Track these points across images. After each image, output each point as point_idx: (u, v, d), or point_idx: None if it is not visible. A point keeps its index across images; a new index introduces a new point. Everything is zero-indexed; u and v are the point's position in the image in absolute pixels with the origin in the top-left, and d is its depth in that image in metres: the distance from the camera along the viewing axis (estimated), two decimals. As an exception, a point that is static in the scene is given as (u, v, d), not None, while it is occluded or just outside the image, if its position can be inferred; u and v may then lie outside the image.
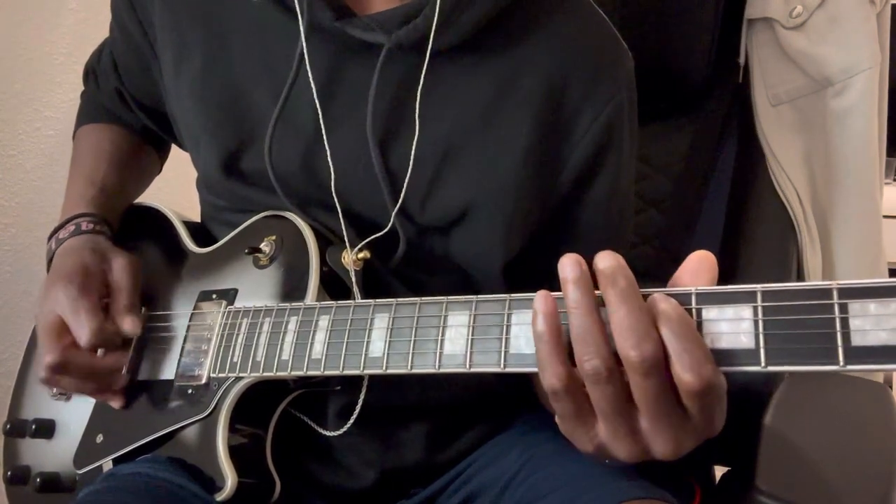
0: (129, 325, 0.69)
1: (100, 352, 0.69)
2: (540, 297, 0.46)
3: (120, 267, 0.71)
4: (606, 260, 0.45)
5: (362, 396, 0.67)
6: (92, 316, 0.66)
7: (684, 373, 0.42)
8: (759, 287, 0.43)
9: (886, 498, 0.68)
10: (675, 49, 1.02)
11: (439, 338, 0.53)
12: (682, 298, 0.45)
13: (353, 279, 0.66)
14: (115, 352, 0.69)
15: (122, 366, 0.70)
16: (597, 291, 0.46)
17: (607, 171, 0.70)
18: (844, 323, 0.40)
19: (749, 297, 0.43)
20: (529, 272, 0.71)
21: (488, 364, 0.50)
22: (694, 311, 0.44)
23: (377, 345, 0.56)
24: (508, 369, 0.49)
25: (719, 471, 0.94)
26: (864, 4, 0.94)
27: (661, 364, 0.43)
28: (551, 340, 0.45)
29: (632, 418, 0.45)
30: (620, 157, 0.71)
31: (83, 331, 0.66)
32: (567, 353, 0.46)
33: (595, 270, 0.45)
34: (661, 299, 0.44)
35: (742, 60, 1.01)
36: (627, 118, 0.71)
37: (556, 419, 0.48)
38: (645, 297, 0.45)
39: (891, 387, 0.97)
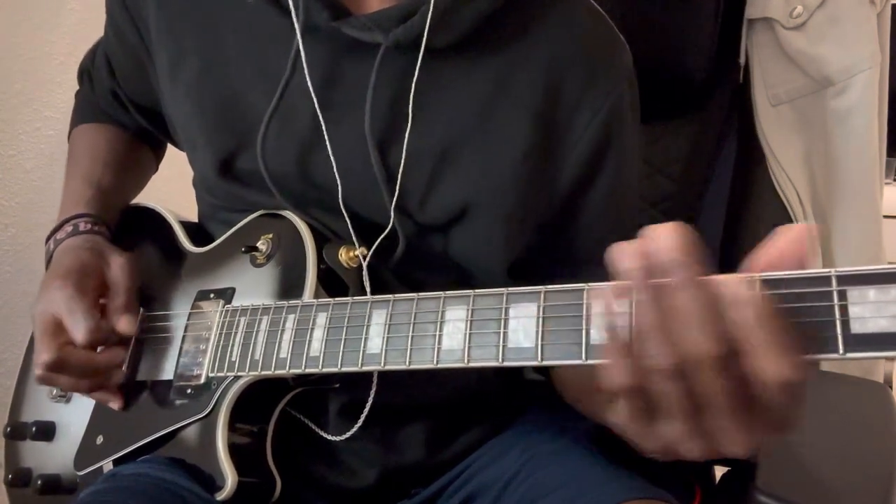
0: (124, 324, 0.69)
1: (98, 349, 0.69)
2: (610, 289, 0.43)
3: (117, 266, 0.71)
4: (674, 234, 0.40)
5: (370, 401, 0.67)
6: (88, 315, 0.66)
7: (763, 364, 0.38)
8: (757, 275, 0.41)
9: (886, 498, 0.68)
10: (676, 49, 1.02)
11: (437, 333, 0.52)
12: None
13: (350, 277, 0.66)
14: (113, 348, 0.69)
15: (120, 362, 0.70)
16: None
17: (611, 167, 0.70)
18: (844, 310, 0.39)
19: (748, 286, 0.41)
20: (535, 271, 0.71)
21: (486, 358, 0.50)
22: None
23: (375, 341, 0.55)
24: (507, 363, 0.49)
25: (719, 471, 0.94)
26: (864, 4, 0.94)
27: (735, 356, 0.39)
28: (624, 335, 0.42)
29: (707, 415, 0.41)
30: (623, 152, 0.70)
31: (78, 329, 0.66)
32: (634, 348, 0.42)
33: (652, 255, 0.40)
34: (729, 287, 0.40)
35: (742, 60, 1.01)
36: (629, 112, 0.70)
37: (619, 421, 0.44)
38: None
39: (891, 387, 0.97)
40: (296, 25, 0.65)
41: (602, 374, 0.42)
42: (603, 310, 0.43)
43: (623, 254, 0.41)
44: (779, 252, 0.40)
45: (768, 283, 0.41)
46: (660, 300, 0.40)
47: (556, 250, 0.72)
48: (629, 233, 0.76)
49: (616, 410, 0.44)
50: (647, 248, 0.40)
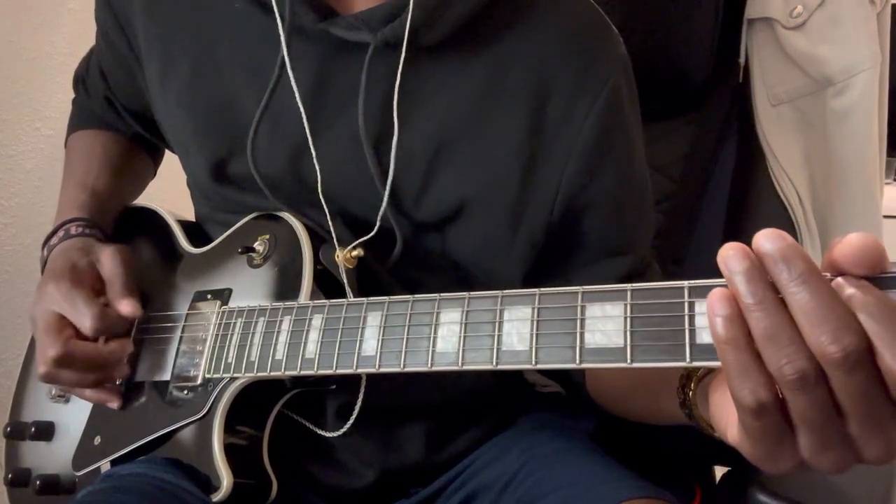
0: (127, 307, 0.68)
1: (101, 340, 0.68)
2: (717, 297, 0.38)
3: (108, 257, 0.70)
4: (770, 241, 0.37)
5: (361, 397, 0.66)
6: (89, 303, 0.66)
7: (892, 358, 0.35)
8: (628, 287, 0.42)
9: (886, 498, 0.68)
10: (676, 49, 1.02)
11: (432, 336, 0.52)
12: (674, 291, 0.43)
13: (346, 277, 0.66)
14: (117, 340, 0.69)
15: (125, 354, 0.69)
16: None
17: (616, 155, 0.68)
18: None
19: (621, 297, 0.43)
20: (548, 270, 0.70)
21: (480, 361, 0.50)
22: (686, 304, 0.43)
23: (370, 343, 0.55)
24: (501, 366, 0.49)
25: (719, 471, 0.94)
26: (864, 4, 0.94)
27: (866, 356, 0.36)
28: (744, 345, 0.38)
29: (841, 424, 0.38)
30: (627, 141, 0.69)
31: (84, 318, 0.65)
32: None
33: (758, 254, 0.37)
34: (847, 282, 0.37)
35: (742, 60, 1.01)
36: (627, 101, 0.69)
37: (747, 445, 0.41)
38: None
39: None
40: (280, 28, 0.64)
41: (733, 393, 0.39)
42: (715, 319, 0.38)
43: (731, 255, 0.38)
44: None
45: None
46: (778, 305, 0.37)
47: (567, 249, 0.71)
48: (645, 226, 0.75)
49: (741, 431, 0.41)
50: (754, 248, 0.38)
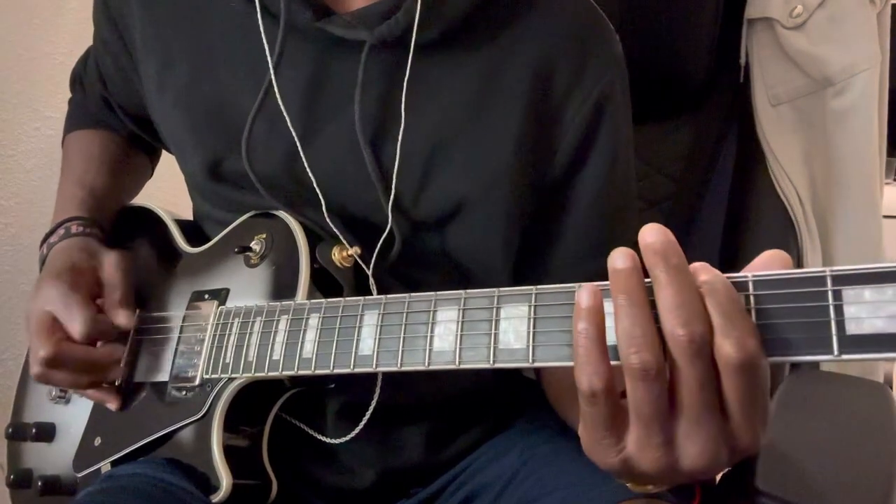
0: (122, 318, 0.69)
1: (97, 344, 0.69)
2: (584, 291, 0.42)
3: (110, 263, 0.71)
4: (654, 234, 0.41)
5: (374, 403, 0.66)
6: (83, 308, 0.66)
7: (726, 343, 0.39)
8: (749, 275, 0.41)
9: (886, 498, 0.68)
10: (676, 49, 1.02)
11: (428, 334, 0.52)
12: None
13: (343, 276, 0.66)
14: (111, 344, 0.69)
15: (119, 357, 0.69)
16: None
17: (601, 152, 0.69)
18: (839, 311, 0.38)
19: (741, 287, 0.41)
20: (533, 263, 0.71)
21: (477, 360, 0.49)
22: None
23: (367, 342, 0.55)
24: (498, 365, 0.48)
25: (719, 471, 0.94)
26: (864, 4, 0.94)
27: (709, 347, 0.39)
28: (595, 336, 0.42)
29: (669, 423, 0.41)
30: (615, 138, 0.70)
31: (75, 323, 0.66)
32: (608, 352, 0.42)
33: (642, 243, 0.41)
34: (702, 270, 0.41)
35: (742, 60, 1.01)
36: (620, 99, 0.70)
37: (581, 429, 0.45)
38: None
39: (891, 387, 0.97)
40: (261, 27, 0.64)
41: (575, 376, 0.42)
42: (579, 311, 0.42)
43: (614, 256, 0.42)
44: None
45: (763, 283, 0.41)
46: (643, 302, 0.41)
47: (549, 239, 0.72)
48: (627, 222, 0.76)
49: (581, 417, 0.44)
50: (640, 237, 0.41)
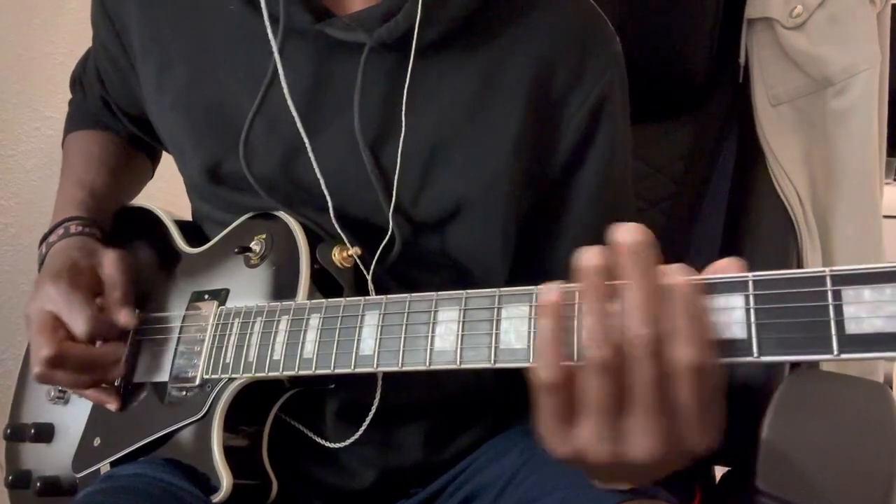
0: (123, 316, 0.68)
1: (97, 343, 0.68)
2: (548, 288, 0.45)
3: (110, 262, 0.70)
4: (630, 234, 0.43)
5: (375, 405, 0.66)
6: (85, 306, 0.66)
7: (681, 347, 0.41)
8: (750, 275, 0.42)
9: (886, 498, 0.68)
10: (676, 49, 1.02)
11: (429, 334, 0.52)
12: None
13: (344, 277, 0.66)
14: (111, 343, 0.69)
15: (119, 356, 0.69)
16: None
17: (598, 153, 0.70)
18: (838, 310, 0.39)
19: (741, 287, 0.42)
20: (530, 262, 0.71)
21: (478, 360, 0.50)
22: None
23: (368, 343, 0.55)
24: (499, 365, 0.49)
25: (719, 471, 0.94)
26: (864, 4, 0.94)
27: (664, 347, 0.41)
28: (556, 331, 0.44)
29: (620, 418, 0.43)
30: (612, 138, 0.70)
31: (77, 321, 0.65)
32: (567, 347, 0.44)
33: (617, 241, 0.43)
34: (671, 272, 0.42)
35: (742, 60, 1.01)
36: (618, 99, 0.70)
37: (538, 421, 0.46)
38: None
39: (891, 386, 0.97)
40: (268, 29, 0.64)
41: (533, 370, 0.44)
42: (544, 307, 0.45)
43: (582, 254, 0.44)
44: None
45: (763, 283, 0.41)
46: (603, 299, 0.43)
47: (546, 238, 0.72)
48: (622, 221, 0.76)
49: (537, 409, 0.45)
50: (616, 234, 0.43)
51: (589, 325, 0.43)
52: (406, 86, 0.64)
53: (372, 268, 0.67)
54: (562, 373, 0.44)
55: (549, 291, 0.45)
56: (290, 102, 0.65)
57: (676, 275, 0.42)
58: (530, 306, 0.49)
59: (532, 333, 0.48)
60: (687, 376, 0.41)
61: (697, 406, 0.42)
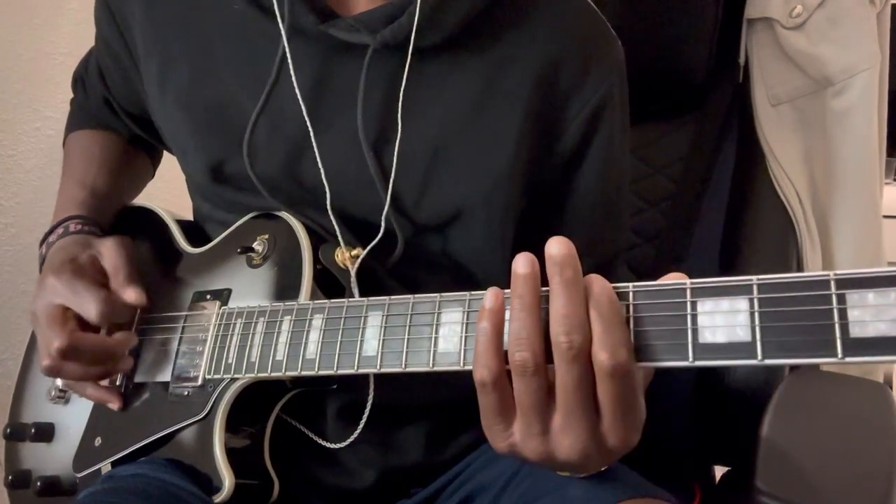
0: (132, 295, 0.68)
1: (104, 333, 0.68)
2: (488, 294, 0.48)
3: (108, 248, 0.70)
4: (557, 247, 0.46)
5: (369, 405, 0.66)
6: (93, 290, 0.65)
7: (601, 351, 0.44)
8: (754, 279, 0.42)
9: (886, 498, 0.68)
10: (676, 49, 1.02)
11: (433, 336, 0.52)
12: (677, 292, 0.44)
13: (347, 277, 0.66)
14: (122, 332, 0.69)
15: (130, 345, 0.69)
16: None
17: (595, 158, 0.70)
18: (843, 314, 0.39)
19: (745, 290, 0.42)
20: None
21: None
22: (689, 303, 0.44)
23: (371, 343, 0.55)
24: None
25: (719, 471, 0.94)
26: (864, 4, 0.94)
27: (587, 354, 0.45)
28: (490, 334, 0.47)
29: (547, 416, 0.47)
30: (610, 142, 0.71)
31: (88, 306, 0.65)
32: (502, 349, 0.48)
33: (546, 253, 0.46)
34: (594, 281, 0.46)
35: (742, 60, 1.01)
36: (618, 105, 0.71)
37: (481, 417, 0.50)
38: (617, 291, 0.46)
39: (891, 387, 0.98)
40: (282, 29, 0.64)
41: (473, 367, 0.48)
42: (483, 312, 0.48)
43: (516, 261, 0.47)
44: None
45: (767, 287, 0.41)
46: (532, 307, 0.46)
47: (542, 241, 0.72)
48: (617, 225, 0.77)
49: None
50: (546, 247, 0.46)
51: (513, 329, 0.46)
52: (402, 87, 0.64)
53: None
54: (495, 372, 0.47)
55: (490, 297, 0.48)
56: (301, 102, 0.65)
57: (597, 284, 0.46)
58: None
59: None
60: (607, 379, 0.44)
61: (618, 407, 0.45)
